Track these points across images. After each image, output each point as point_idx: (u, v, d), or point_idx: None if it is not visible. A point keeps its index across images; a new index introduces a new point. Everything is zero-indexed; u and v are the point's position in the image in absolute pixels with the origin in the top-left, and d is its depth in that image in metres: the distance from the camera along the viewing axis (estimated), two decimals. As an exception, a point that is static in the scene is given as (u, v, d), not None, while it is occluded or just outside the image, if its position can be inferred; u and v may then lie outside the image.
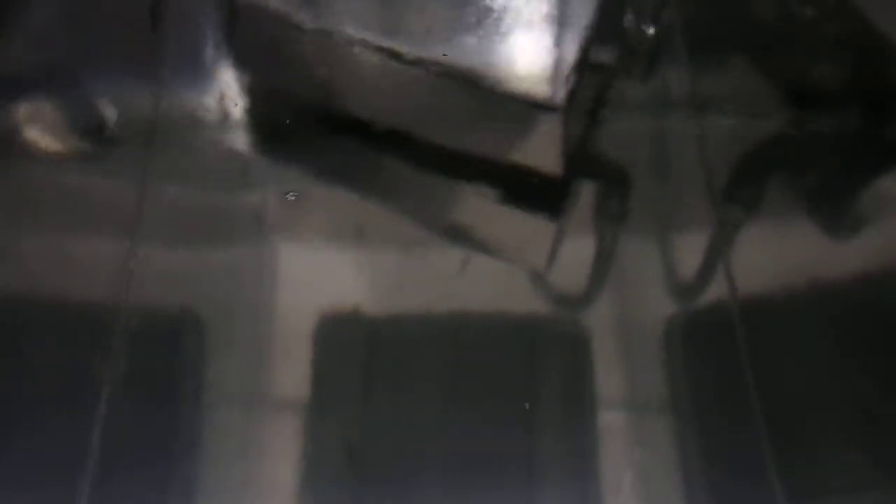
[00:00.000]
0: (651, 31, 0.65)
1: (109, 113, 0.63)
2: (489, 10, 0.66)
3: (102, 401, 0.53)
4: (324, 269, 0.58)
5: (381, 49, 0.65)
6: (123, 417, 0.52)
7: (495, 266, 0.58)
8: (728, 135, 0.61)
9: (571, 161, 0.61)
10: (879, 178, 0.60)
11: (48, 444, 0.51)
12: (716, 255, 0.57)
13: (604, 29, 0.65)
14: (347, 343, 0.56)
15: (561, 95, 0.63)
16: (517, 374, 0.54)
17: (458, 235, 0.59)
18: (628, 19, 0.66)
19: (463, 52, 0.64)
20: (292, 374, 0.54)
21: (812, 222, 0.59)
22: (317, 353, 0.55)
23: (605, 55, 0.65)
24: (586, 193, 0.60)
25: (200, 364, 0.55)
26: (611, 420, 0.53)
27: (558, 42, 0.65)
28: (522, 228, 0.59)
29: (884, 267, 0.57)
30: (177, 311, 0.57)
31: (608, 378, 0.54)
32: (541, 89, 0.63)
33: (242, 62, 0.66)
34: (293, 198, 0.59)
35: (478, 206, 0.60)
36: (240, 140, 0.63)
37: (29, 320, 0.57)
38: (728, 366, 0.54)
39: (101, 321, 0.55)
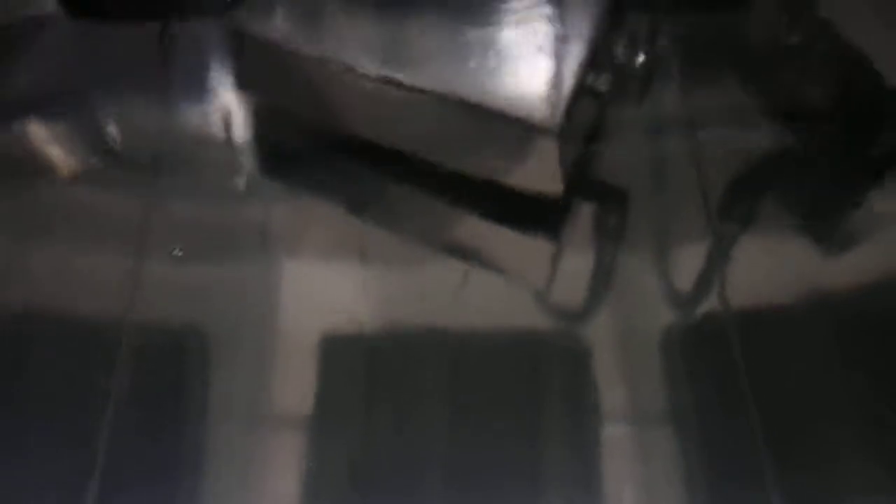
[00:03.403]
0: (644, 56, 0.67)
1: (118, 134, 0.64)
2: (487, 36, 0.68)
3: (107, 416, 0.53)
4: (326, 286, 0.59)
5: (381, 75, 0.66)
6: (128, 433, 0.53)
7: (496, 283, 0.59)
8: (721, 153, 0.63)
9: (569, 181, 0.62)
10: (869, 193, 0.62)
11: (53, 459, 0.52)
12: (712, 269, 0.58)
13: (599, 54, 0.67)
14: (350, 359, 0.56)
15: (558, 118, 0.64)
16: (519, 390, 0.55)
17: (459, 253, 0.60)
18: (622, 45, 0.68)
19: (462, 77, 0.66)
20: (295, 390, 0.55)
21: (805, 237, 0.60)
22: (320, 370, 0.55)
23: (600, 79, 0.66)
24: (584, 212, 0.61)
25: (204, 380, 0.55)
26: (612, 433, 0.53)
27: (555, 67, 0.66)
28: (522, 246, 0.60)
29: (877, 281, 0.58)
30: (181, 328, 0.57)
31: (609, 392, 0.54)
32: (538, 113, 0.64)
33: (248, 86, 0.67)
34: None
35: (478, 225, 0.61)
36: (245, 161, 0.64)
37: (36, 336, 0.57)
38: (727, 378, 0.54)
39: (106, 338, 0.56)
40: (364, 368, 0.55)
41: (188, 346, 0.56)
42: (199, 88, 0.67)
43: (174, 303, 0.58)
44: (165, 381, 0.55)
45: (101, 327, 0.57)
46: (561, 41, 0.68)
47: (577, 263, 0.59)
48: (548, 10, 0.70)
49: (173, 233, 0.60)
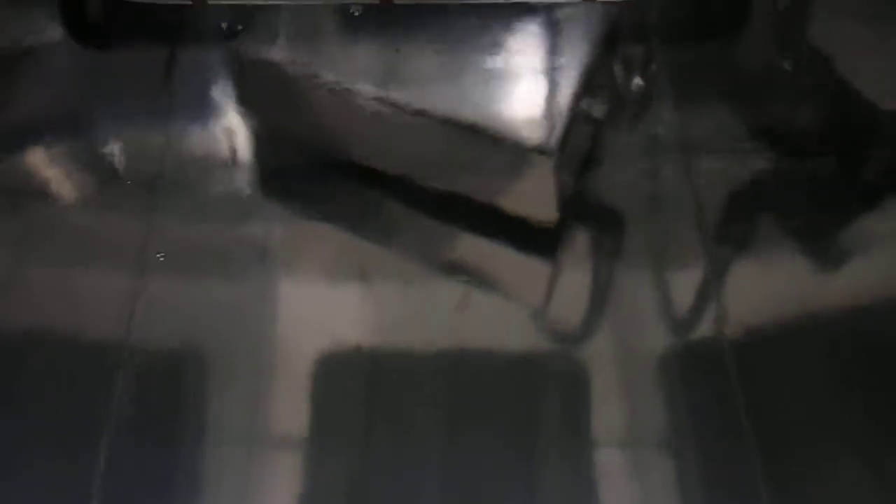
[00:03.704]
0: (639, 81, 0.68)
1: (120, 156, 0.65)
2: (484, 61, 0.69)
3: (105, 437, 0.53)
4: (325, 306, 0.59)
5: (381, 98, 0.67)
6: (126, 454, 0.52)
7: (494, 303, 0.59)
8: (716, 176, 0.64)
9: (566, 203, 0.63)
10: (860, 214, 0.62)
11: (51, 481, 0.51)
12: (708, 291, 0.59)
13: (594, 79, 0.68)
14: (349, 379, 0.56)
15: (554, 141, 0.65)
16: (516, 411, 0.55)
17: (458, 274, 0.60)
18: (617, 70, 0.69)
19: (460, 100, 0.67)
20: (294, 410, 0.55)
21: (800, 258, 0.61)
22: (318, 390, 0.56)
23: (595, 104, 0.67)
24: (581, 234, 0.62)
25: (203, 402, 0.55)
26: (609, 454, 0.54)
27: (551, 91, 0.67)
28: (520, 267, 0.60)
29: (871, 302, 0.59)
30: (180, 350, 0.57)
31: (606, 412, 0.54)
32: (535, 136, 0.65)
33: (248, 110, 0.68)
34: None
35: (476, 245, 0.61)
36: (245, 182, 0.65)
37: (36, 356, 0.57)
38: (723, 398, 0.54)
39: (106, 359, 0.56)
40: (362, 388, 0.56)
41: (187, 368, 0.56)
42: (200, 111, 0.68)
43: (173, 324, 0.58)
44: (164, 402, 0.55)
45: (100, 348, 0.57)
46: (557, 66, 0.69)
47: (574, 284, 0.60)
48: (544, 36, 0.71)
49: (173, 254, 0.60)
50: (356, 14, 0.70)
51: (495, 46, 0.70)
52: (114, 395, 0.54)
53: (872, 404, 0.55)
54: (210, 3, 0.73)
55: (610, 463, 0.53)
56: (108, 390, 0.55)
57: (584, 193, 0.63)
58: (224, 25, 0.72)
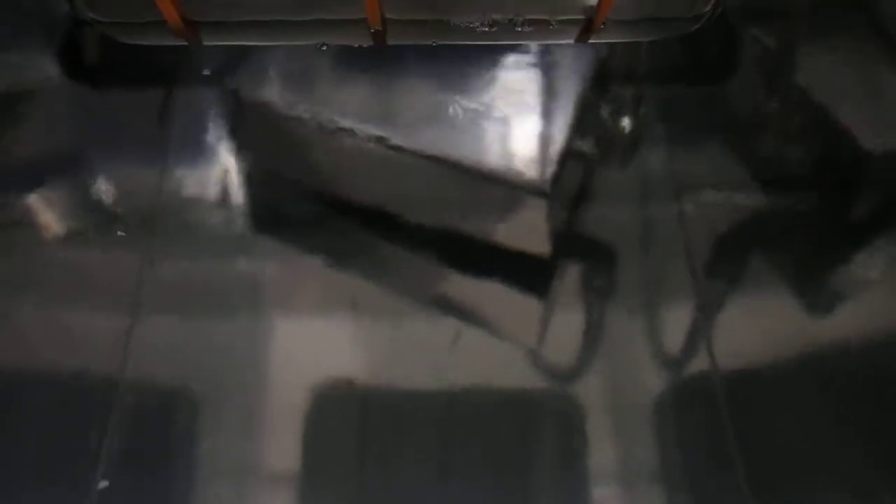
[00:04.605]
0: (629, 121, 0.69)
1: (114, 195, 0.65)
2: (477, 101, 0.70)
3: (98, 475, 0.53)
4: (318, 343, 0.59)
5: (375, 137, 0.68)
6: (119, 490, 0.52)
7: (486, 340, 0.59)
8: (706, 215, 0.64)
9: (558, 241, 0.63)
10: (849, 253, 0.63)
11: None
12: (699, 329, 0.59)
13: (586, 119, 0.69)
14: (340, 417, 0.56)
15: (547, 180, 0.66)
16: (509, 447, 0.55)
17: (450, 311, 0.60)
18: (608, 110, 0.70)
19: (452, 139, 0.67)
20: (286, 446, 0.55)
21: (789, 296, 0.61)
22: (311, 427, 0.56)
23: (587, 143, 0.68)
24: (573, 272, 0.62)
25: (195, 438, 0.55)
26: (602, 492, 0.54)
27: (543, 132, 0.68)
28: (512, 305, 0.61)
29: (862, 340, 0.59)
30: (174, 387, 0.57)
31: (599, 450, 0.55)
32: (527, 175, 0.66)
33: (242, 149, 0.68)
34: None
35: (469, 283, 0.62)
36: (238, 220, 0.65)
37: (28, 394, 0.57)
38: (714, 435, 0.55)
39: (99, 397, 0.56)
40: (354, 425, 0.56)
41: (180, 405, 0.56)
42: (194, 150, 0.68)
43: (167, 362, 0.58)
44: (157, 439, 0.55)
45: (94, 386, 0.57)
46: (549, 107, 0.70)
47: (567, 322, 0.60)
48: (536, 76, 0.72)
49: (166, 292, 0.61)
50: (323, 49, 0.71)
51: (488, 87, 0.71)
52: (107, 431, 0.55)
53: (864, 441, 0.55)
54: (205, 43, 0.74)
55: (602, 500, 0.53)
56: (102, 427, 0.55)
57: (576, 232, 0.64)
58: (219, 65, 0.73)
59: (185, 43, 0.74)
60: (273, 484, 0.54)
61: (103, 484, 0.53)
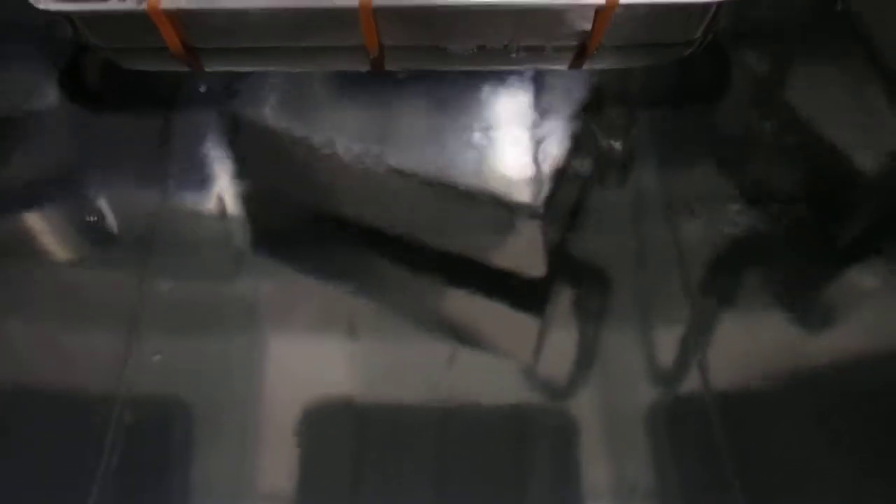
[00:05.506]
0: (622, 144, 0.70)
1: (112, 215, 0.66)
2: (475, 126, 0.71)
3: (94, 492, 0.53)
4: (314, 362, 0.60)
5: (371, 159, 0.69)
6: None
7: (482, 359, 0.59)
8: (699, 234, 0.65)
9: (552, 261, 0.64)
10: (842, 270, 0.63)
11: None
12: (693, 347, 0.59)
13: (580, 141, 0.70)
14: (337, 435, 0.56)
15: (541, 202, 0.66)
16: (504, 466, 0.55)
17: (447, 329, 0.61)
18: (602, 134, 0.70)
19: (450, 163, 0.68)
20: (283, 464, 0.55)
21: (782, 313, 0.61)
22: (307, 445, 0.56)
23: (580, 165, 0.69)
24: (567, 291, 0.63)
25: (192, 456, 0.55)
26: (598, 508, 0.54)
27: (538, 155, 0.69)
28: (507, 324, 0.61)
29: (856, 357, 0.59)
30: (170, 405, 0.57)
31: (593, 468, 0.55)
32: (523, 196, 0.67)
33: (241, 171, 0.69)
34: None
35: (465, 302, 0.62)
36: (235, 241, 0.65)
37: (26, 414, 0.57)
38: (709, 451, 0.55)
39: (96, 416, 0.56)
40: (350, 444, 0.56)
41: (177, 424, 0.56)
42: (192, 172, 0.69)
43: (164, 380, 0.58)
44: (153, 457, 0.55)
45: (91, 404, 0.57)
46: (544, 130, 0.71)
47: (561, 341, 0.60)
48: (531, 101, 0.73)
49: (164, 312, 0.61)
50: None
51: (484, 111, 0.73)
52: (103, 450, 0.55)
53: (858, 457, 0.55)
54: (206, 69, 0.75)
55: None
56: (98, 446, 0.55)
57: (570, 252, 0.64)
58: (218, 88, 0.74)
59: (187, 69, 0.75)
60: (270, 502, 0.54)
61: (100, 501, 0.53)
